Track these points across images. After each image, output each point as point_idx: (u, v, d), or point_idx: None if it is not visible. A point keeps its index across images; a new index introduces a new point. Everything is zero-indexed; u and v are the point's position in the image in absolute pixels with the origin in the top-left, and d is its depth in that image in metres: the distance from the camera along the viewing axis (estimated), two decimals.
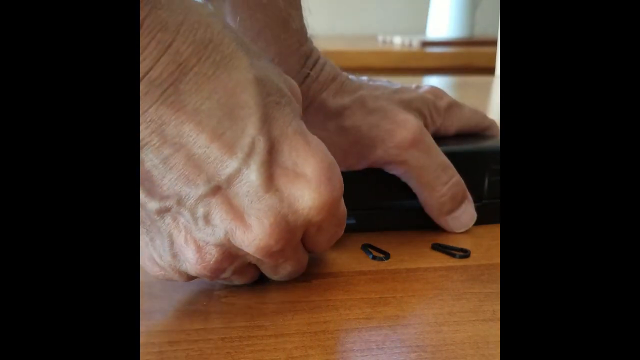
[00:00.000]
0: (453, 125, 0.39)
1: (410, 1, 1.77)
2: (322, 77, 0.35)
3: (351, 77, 0.38)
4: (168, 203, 0.23)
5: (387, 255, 0.32)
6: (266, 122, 0.23)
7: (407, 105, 0.36)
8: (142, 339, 0.24)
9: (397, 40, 1.46)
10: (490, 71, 1.13)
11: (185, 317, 0.26)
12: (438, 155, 0.35)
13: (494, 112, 0.67)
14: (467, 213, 0.36)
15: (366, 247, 0.33)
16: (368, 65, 1.23)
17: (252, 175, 0.23)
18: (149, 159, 0.23)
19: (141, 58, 0.21)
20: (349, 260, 0.32)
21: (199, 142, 0.23)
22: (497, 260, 0.32)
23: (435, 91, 0.39)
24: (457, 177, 0.35)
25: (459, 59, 1.29)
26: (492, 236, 0.35)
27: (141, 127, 0.22)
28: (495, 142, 0.38)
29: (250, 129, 0.23)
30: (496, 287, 0.29)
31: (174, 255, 0.25)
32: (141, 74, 0.22)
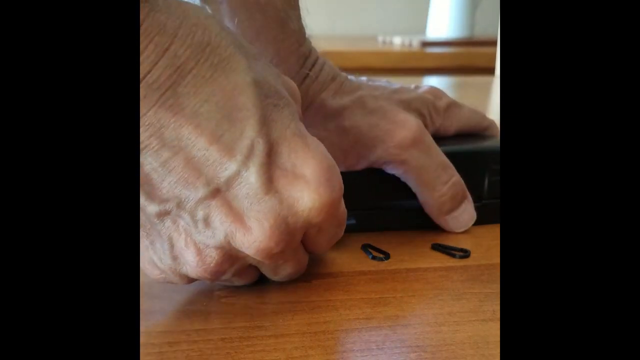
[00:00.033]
0: (452, 125, 0.39)
1: (410, 1, 1.77)
2: (321, 78, 0.35)
3: (350, 77, 0.38)
4: (168, 206, 0.23)
5: (387, 255, 0.32)
6: (265, 124, 0.23)
7: (406, 105, 0.36)
8: (142, 339, 0.24)
9: (397, 41, 1.46)
10: (490, 71, 1.13)
11: (185, 318, 0.26)
12: (438, 155, 0.35)
13: (494, 112, 0.67)
14: (467, 213, 0.36)
15: (366, 247, 0.33)
16: (368, 65, 1.23)
17: (252, 178, 0.23)
18: (148, 162, 0.23)
19: None
20: (349, 260, 0.32)
21: (198, 144, 0.23)
22: (497, 260, 0.32)
23: (434, 91, 0.39)
24: (457, 177, 0.35)
25: (459, 59, 1.29)
26: (492, 236, 0.35)
27: (140, 131, 0.22)
28: (495, 142, 0.38)
29: (249, 131, 0.23)
30: (496, 287, 0.29)
31: (174, 258, 0.25)
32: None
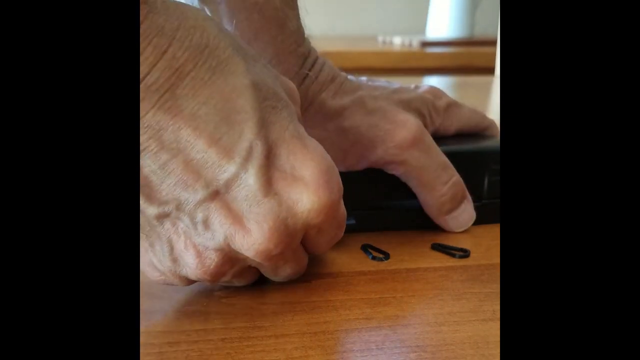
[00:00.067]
0: (452, 125, 0.39)
1: (410, 1, 1.77)
2: (321, 78, 0.35)
3: (350, 77, 0.37)
4: (167, 208, 0.23)
5: (387, 256, 0.32)
6: (263, 126, 0.23)
7: (406, 105, 0.36)
8: (142, 339, 0.24)
9: (397, 41, 1.46)
10: (490, 71, 1.13)
11: (185, 318, 0.26)
12: (438, 155, 0.35)
13: (494, 112, 0.67)
14: (467, 213, 0.36)
15: (366, 247, 0.33)
16: (368, 65, 1.23)
17: (250, 180, 0.23)
18: (147, 165, 0.23)
19: None
20: (349, 260, 0.32)
21: (197, 147, 0.22)
22: (497, 260, 0.32)
23: (434, 91, 0.39)
24: (457, 177, 0.35)
25: (459, 59, 1.29)
26: (492, 236, 0.35)
27: None
28: (495, 142, 0.38)
29: (248, 134, 0.23)
30: (496, 287, 0.29)
31: (174, 260, 0.25)
32: None
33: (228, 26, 0.34)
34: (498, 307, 0.27)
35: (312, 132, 0.26)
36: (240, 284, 0.28)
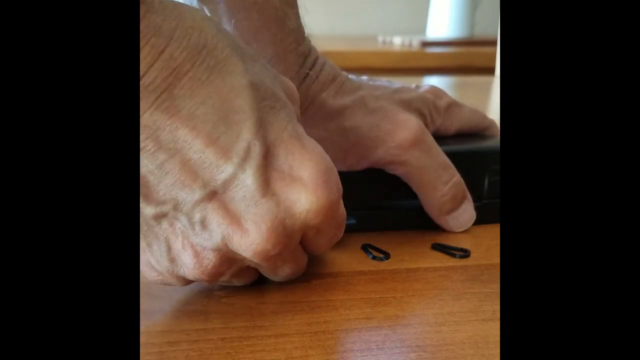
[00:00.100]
0: (453, 125, 0.39)
1: (410, 1, 1.77)
2: (322, 77, 0.35)
3: (351, 76, 0.37)
4: (164, 208, 0.23)
5: (387, 255, 0.32)
6: (261, 126, 0.23)
7: (407, 105, 0.36)
8: (142, 339, 0.24)
9: (397, 41, 1.46)
10: (490, 71, 1.13)
11: (185, 317, 0.26)
12: (439, 155, 0.35)
13: (494, 112, 0.67)
14: (467, 213, 0.36)
15: (366, 247, 0.33)
16: (368, 65, 1.23)
17: (248, 180, 0.23)
18: (145, 165, 0.22)
19: None
20: (349, 260, 0.32)
21: (194, 147, 0.22)
22: (497, 260, 0.32)
23: (435, 91, 0.39)
24: (457, 177, 0.35)
25: (459, 59, 1.29)
26: (492, 236, 0.35)
27: None
28: (495, 142, 0.38)
29: (246, 134, 0.23)
30: (496, 287, 0.29)
31: (172, 260, 0.25)
32: None
33: (227, 26, 0.34)
34: (498, 307, 0.27)
35: (313, 132, 0.26)
36: (239, 283, 0.28)
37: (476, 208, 0.36)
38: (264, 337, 0.24)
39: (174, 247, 0.24)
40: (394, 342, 0.24)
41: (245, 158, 0.23)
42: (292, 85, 0.27)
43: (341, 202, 0.26)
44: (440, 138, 0.37)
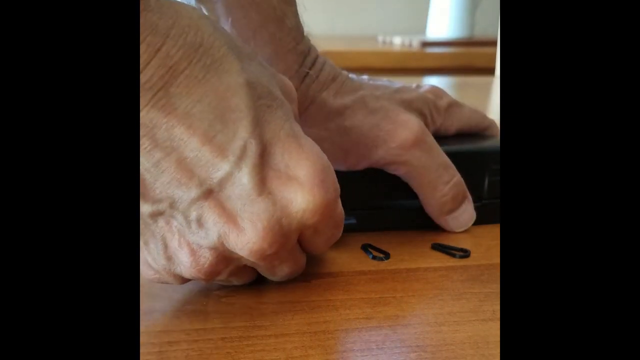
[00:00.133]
0: (453, 124, 0.39)
1: (410, 1, 1.77)
2: (322, 77, 0.35)
3: (351, 76, 0.37)
4: (161, 206, 0.23)
5: (387, 255, 0.32)
6: (258, 125, 0.23)
7: (408, 105, 0.36)
8: (142, 339, 0.24)
9: (397, 41, 1.46)
10: (490, 71, 1.13)
11: (185, 317, 0.26)
12: (439, 155, 0.35)
13: (494, 112, 0.67)
14: (467, 213, 0.36)
15: (366, 247, 0.33)
16: (368, 65, 1.23)
17: (244, 179, 0.23)
18: (141, 163, 0.22)
19: None
20: (349, 260, 0.32)
21: (191, 145, 0.22)
22: (497, 260, 0.32)
23: (435, 91, 0.39)
24: (458, 177, 0.35)
25: (459, 59, 1.29)
26: (492, 236, 0.35)
27: None
28: (495, 142, 0.38)
29: (242, 132, 0.23)
30: (496, 287, 0.29)
31: (168, 259, 0.25)
32: None
33: (224, 24, 0.34)
34: (498, 307, 0.27)
35: (313, 132, 0.26)
36: (238, 282, 0.28)
37: (476, 208, 0.36)
38: (263, 337, 0.24)
39: (170, 246, 0.24)
40: (394, 342, 0.24)
41: (241, 157, 0.23)
42: (289, 84, 0.27)
43: (339, 201, 0.26)
44: (441, 138, 0.37)
